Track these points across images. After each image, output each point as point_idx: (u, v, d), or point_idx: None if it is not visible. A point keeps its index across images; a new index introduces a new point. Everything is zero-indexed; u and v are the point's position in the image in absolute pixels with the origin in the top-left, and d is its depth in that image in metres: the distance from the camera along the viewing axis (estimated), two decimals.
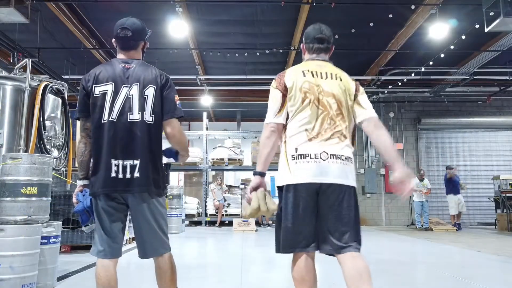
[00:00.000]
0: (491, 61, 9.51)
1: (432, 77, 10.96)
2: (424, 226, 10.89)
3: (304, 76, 2.23)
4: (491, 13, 6.42)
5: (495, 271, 5.09)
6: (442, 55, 9.18)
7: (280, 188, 2.20)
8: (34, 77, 4.77)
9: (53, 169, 4.09)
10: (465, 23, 7.99)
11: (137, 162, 2.20)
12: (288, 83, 2.22)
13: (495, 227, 11.72)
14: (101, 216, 2.25)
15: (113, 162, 2.19)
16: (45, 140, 4.43)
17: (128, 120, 2.22)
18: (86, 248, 5.82)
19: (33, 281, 3.31)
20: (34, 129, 4.30)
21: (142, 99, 2.25)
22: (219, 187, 12.04)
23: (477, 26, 7.65)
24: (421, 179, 11.13)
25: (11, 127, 4.30)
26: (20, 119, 4.32)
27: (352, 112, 2.29)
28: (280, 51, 9.36)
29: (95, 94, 2.25)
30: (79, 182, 2.34)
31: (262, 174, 2.24)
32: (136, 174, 2.19)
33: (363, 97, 2.32)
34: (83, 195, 2.29)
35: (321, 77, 2.25)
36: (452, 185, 11.18)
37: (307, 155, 2.11)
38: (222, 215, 11.79)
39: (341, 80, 2.27)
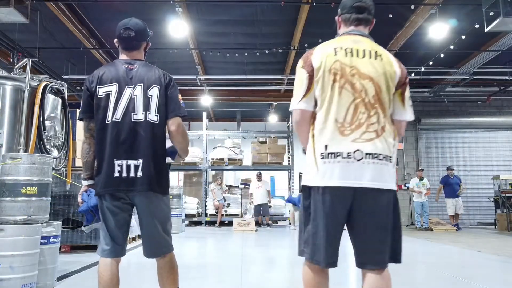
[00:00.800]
0: (491, 61, 9.51)
1: (432, 77, 10.96)
2: (424, 226, 10.90)
3: (336, 54, 1.88)
4: (491, 13, 6.41)
5: (495, 271, 5.10)
6: (442, 55, 9.18)
7: (305, 188, 1.92)
8: (34, 77, 4.76)
9: (53, 169, 4.09)
10: (465, 23, 7.99)
11: (140, 161, 2.20)
12: (316, 63, 1.87)
13: (495, 227, 11.72)
14: (106, 215, 2.26)
15: (116, 162, 2.20)
16: (45, 140, 4.43)
17: (132, 120, 2.23)
18: (86, 248, 5.82)
19: (33, 281, 3.31)
20: (34, 129, 4.29)
21: (146, 99, 2.26)
22: (219, 187, 12.04)
23: (477, 26, 7.65)
24: (421, 179, 11.15)
25: (11, 127, 4.30)
26: (20, 119, 4.31)
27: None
28: (280, 51, 9.36)
29: (99, 95, 2.26)
30: (84, 182, 2.35)
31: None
32: (139, 174, 2.20)
33: (408, 92, 1.98)
34: (88, 195, 2.31)
35: (357, 56, 1.88)
36: (451, 190, 11.25)
37: (338, 153, 1.80)
38: (222, 215, 11.79)
39: (381, 59, 1.91)
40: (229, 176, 16.12)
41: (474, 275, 4.68)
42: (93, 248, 5.80)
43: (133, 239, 7.26)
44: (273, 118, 14.94)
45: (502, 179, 11.62)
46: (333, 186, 1.80)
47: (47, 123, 4.53)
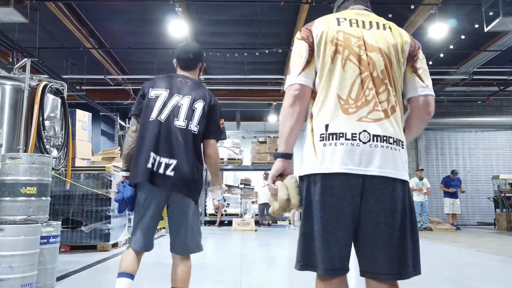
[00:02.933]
0: (491, 61, 9.52)
1: (431, 77, 10.87)
2: (423, 226, 10.91)
3: (339, 25, 1.63)
4: (491, 13, 6.42)
5: (495, 271, 5.10)
6: (442, 55, 9.18)
7: (302, 179, 1.61)
8: (34, 77, 4.76)
9: (53, 169, 4.08)
10: (464, 23, 8.00)
11: (173, 161, 2.34)
12: (316, 34, 1.62)
13: (495, 227, 11.73)
14: (142, 209, 2.37)
15: (152, 154, 2.34)
16: (45, 140, 4.42)
17: (173, 124, 2.40)
18: (86, 248, 5.81)
19: (33, 281, 3.31)
20: (33, 128, 4.29)
21: (191, 111, 2.45)
22: (219, 187, 12.04)
23: (476, 26, 7.65)
24: (420, 178, 11.17)
25: (10, 126, 4.29)
26: (19, 119, 4.31)
27: (403, 82, 1.65)
28: (280, 51, 9.36)
29: (150, 96, 2.47)
30: (122, 173, 2.49)
31: (286, 156, 1.66)
32: (170, 173, 2.32)
33: (422, 64, 1.68)
34: (124, 186, 2.41)
35: (363, 27, 1.64)
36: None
37: (341, 134, 1.51)
38: (222, 214, 11.80)
39: (391, 30, 1.65)
40: (229, 176, 16.11)
41: (474, 275, 4.68)
42: (92, 248, 5.79)
43: None
44: (272, 118, 14.94)
45: (502, 179, 11.64)
46: (334, 172, 1.49)
47: (46, 123, 4.52)
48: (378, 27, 1.65)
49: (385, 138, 1.51)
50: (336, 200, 1.48)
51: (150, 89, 2.48)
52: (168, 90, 2.47)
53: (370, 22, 1.66)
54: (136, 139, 2.46)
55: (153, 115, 2.41)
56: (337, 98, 1.55)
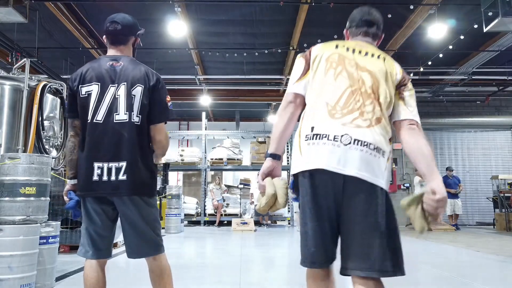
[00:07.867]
0: (490, 61, 9.53)
1: (430, 77, 10.98)
2: None
3: (337, 48, 1.80)
4: (490, 13, 6.43)
5: (494, 271, 5.10)
6: (441, 55, 9.19)
7: (294, 178, 1.74)
8: (33, 77, 4.76)
9: (52, 169, 4.08)
10: (463, 23, 8.01)
11: (123, 164, 2.11)
12: (314, 53, 1.81)
13: (494, 227, 11.73)
14: (92, 216, 2.17)
15: (96, 165, 2.11)
16: (44, 140, 4.42)
17: (115, 121, 2.13)
18: None
19: (32, 281, 3.30)
20: (32, 129, 4.29)
21: (130, 98, 2.15)
22: (218, 187, 12.05)
23: (475, 26, 7.66)
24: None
25: (9, 127, 4.29)
26: (18, 119, 4.31)
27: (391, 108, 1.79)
28: (279, 51, 9.36)
29: (82, 95, 2.17)
30: (70, 182, 2.26)
31: (275, 157, 1.78)
32: (122, 177, 2.10)
33: (410, 94, 1.81)
34: (76, 194, 2.24)
35: (359, 53, 1.78)
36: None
37: (324, 135, 1.62)
38: (221, 215, 11.79)
39: (384, 61, 1.78)
40: (228, 176, 16.10)
41: (473, 275, 4.69)
42: None
43: None
44: (272, 118, 14.95)
45: (501, 179, 11.64)
46: (317, 168, 1.60)
47: (46, 123, 4.52)
48: (372, 56, 1.79)
49: (365, 143, 1.60)
50: (321, 198, 1.62)
51: (80, 86, 2.17)
52: (99, 84, 2.16)
53: (366, 52, 1.80)
54: (77, 144, 2.21)
55: (90, 118, 2.13)
56: (326, 105, 1.68)
